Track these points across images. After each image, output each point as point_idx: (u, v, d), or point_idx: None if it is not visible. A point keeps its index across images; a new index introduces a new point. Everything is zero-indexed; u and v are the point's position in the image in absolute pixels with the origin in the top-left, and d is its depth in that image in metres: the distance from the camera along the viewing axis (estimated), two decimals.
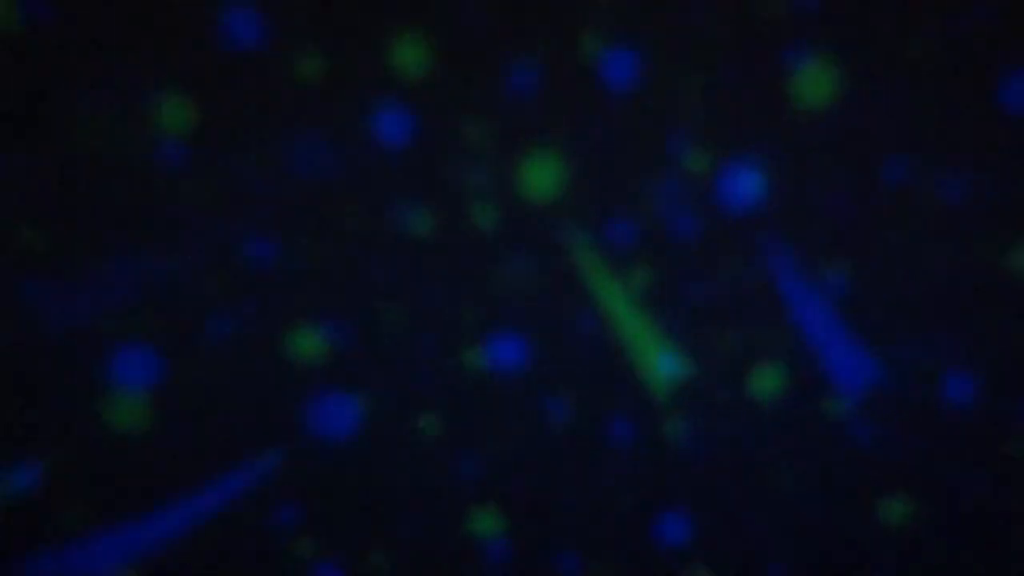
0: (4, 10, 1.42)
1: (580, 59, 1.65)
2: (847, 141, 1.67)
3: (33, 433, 1.56)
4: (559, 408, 1.73)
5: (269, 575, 1.68)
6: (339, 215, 1.65)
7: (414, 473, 1.72)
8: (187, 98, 1.57)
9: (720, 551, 1.76)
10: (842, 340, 1.73)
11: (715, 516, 1.75)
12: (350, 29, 1.61)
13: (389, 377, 1.70)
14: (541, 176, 1.71)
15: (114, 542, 1.56)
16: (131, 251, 1.58)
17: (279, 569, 1.68)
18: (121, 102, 1.54)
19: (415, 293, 1.70)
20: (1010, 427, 1.73)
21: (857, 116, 1.67)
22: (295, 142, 1.62)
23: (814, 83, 1.64)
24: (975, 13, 1.61)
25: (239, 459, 1.66)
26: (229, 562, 1.65)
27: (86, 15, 1.50)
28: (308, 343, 1.67)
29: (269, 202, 1.63)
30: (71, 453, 1.58)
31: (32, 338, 1.56)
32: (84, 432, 1.58)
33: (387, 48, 1.62)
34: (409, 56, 1.63)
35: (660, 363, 1.73)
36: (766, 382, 1.73)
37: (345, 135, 1.63)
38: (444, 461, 1.74)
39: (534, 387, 1.72)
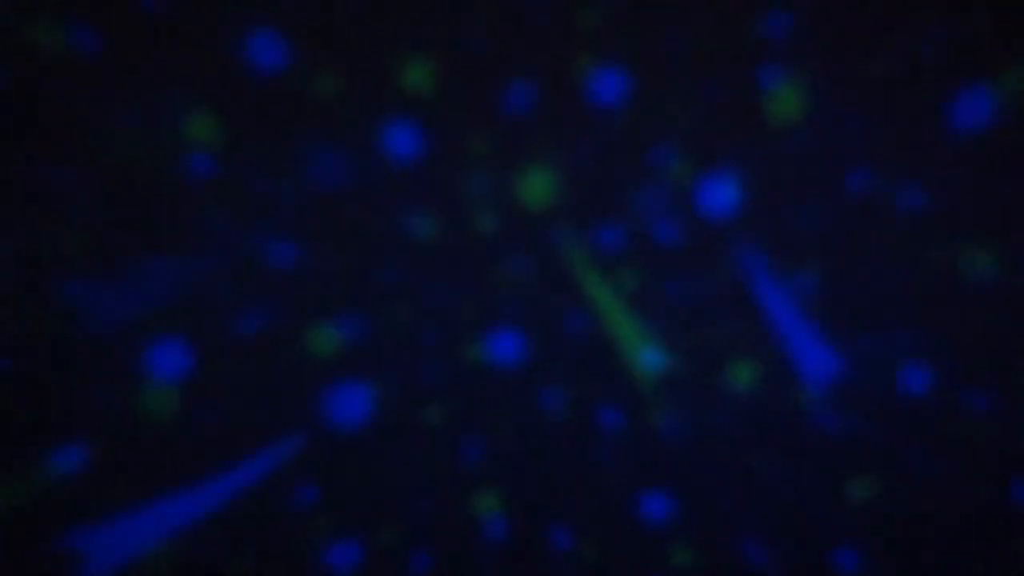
0: (52, 37, 1.51)
1: (572, 79, 1.73)
2: (814, 155, 1.76)
3: (78, 419, 1.65)
4: (553, 398, 1.81)
5: (289, 551, 1.77)
6: (353, 221, 1.74)
7: (421, 457, 1.80)
8: (215, 116, 1.65)
9: (699, 527, 1.84)
10: (810, 336, 1.81)
11: (695, 496, 1.83)
12: (363, 52, 1.69)
13: (398, 369, 1.78)
14: (537, 185, 1.78)
15: (150, 519, 1.64)
16: (165, 255, 1.66)
17: (298, 546, 1.77)
18: (156, 120, 1.63)
19: (421, 292, 1.78)
20: (963, 414, 1.81)
21: (824, 132, 1.75)
22: (313, 155, 1.70)
23: (785, 101, 1.73)
24: (928, 38, 1.72)
25: (262, 444, 1.74)
26: (252, 539, 1.74)
27: (125, 42, 1.59)
28: (324, 338, 1.74)
29: (289, 210, 1.71)
30: (112, 437, 1.66)
31: (77, 334, 1.65)
32: (123, 418, 1.66)
33: (397, 69, 1.70)
34: (417, 76, 1.72)
35: (645, 357, 1.82)
36: (741, 375, 1.81)
37: (358, 148, 1.71)
38: (448, 446, 1.81)
39: (530, 379, 1.80)
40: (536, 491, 1.82)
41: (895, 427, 1.82)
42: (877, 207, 1.78)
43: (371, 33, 1.67)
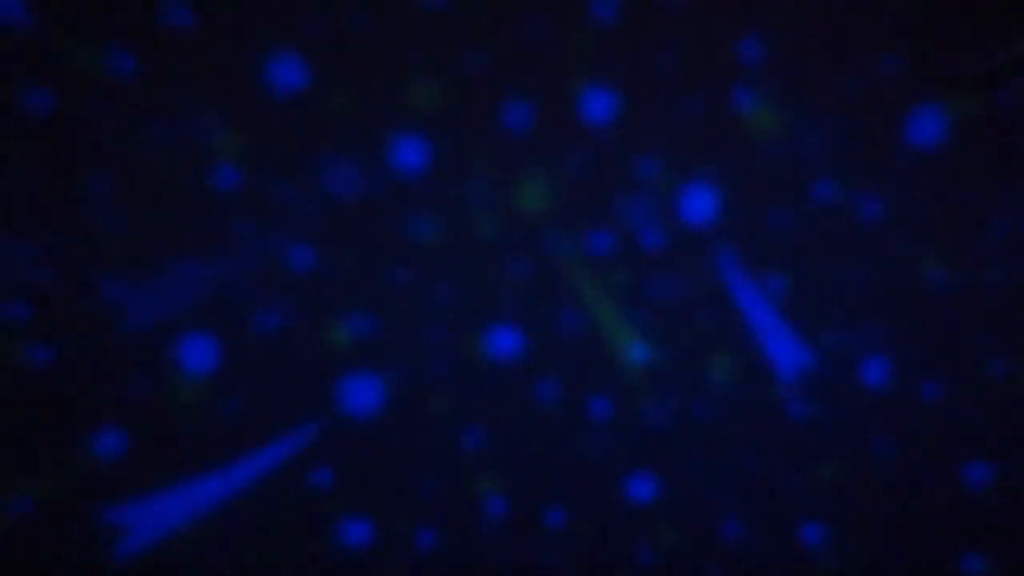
0: (95, 63, 1.61)
1: (565, 98, 1.80)
2: (785, 167, 1.84)
3: (118, 406, 1.74)
4: (548, 388, 1.88)
5: (307, 528, 1.84)
6: (366, 227, 1.81)
7: (428, 441, 1.86)
8: (240, 132, 1.72)
9: (681, 506, 1.91)
10: (781, 332, 1.88)
11: (677, 478, 1.90)
12: (376, 74, 1.76)
13: (405, 363, 1.85)
14: (533, 194, 1.85)
15: (184, 497, 1.74)
16: (195, 259, 1.74)
17: (316, 522, 1.84)
18: (187, 136, 1.70)
19: (428, 291, 1.84)
20: (917, 402, 1.89)
21: (793, 146, 1.83)
22: (329, 166, 1.78)
23: (758, 119, 1.82)
24: (886, 64, 1.81)
25: (282, 430, 1.81)
26: (273, 516, 1.81)
27: (158, 65, 1.67)
28: (339, 333, 1.83)
29: (308, 217, 1.79)
30: (148, 423, 1.74)
31: (117, 329, 1.73)
32: (158, 406, 1.75)
33: (406, 89, 1.78)
34: (424, 96, 1.79)
35: (632, 351, 1.92)
36: (719, 367, 1.88)
37: (370, 160, 1.78)
38: (452, 433, 1.87)
39: (527, 371, 1.86)
40: (532, 473, 1.88)
41: (857, 414, 1.89)
42: (841, 215, 1.85)
43: (381, 56, 1.74)
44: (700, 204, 1.85)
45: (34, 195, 1.65)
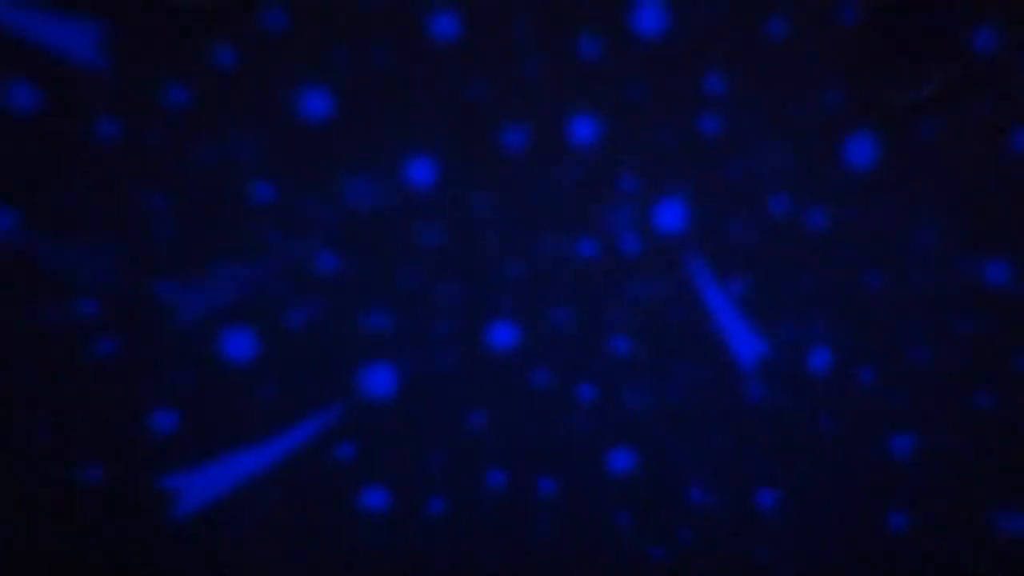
0: (154, 96, 1.76)
1: (557, 122, 1.94)
2: (745, 184, 2.01)
3: (168, 393, 1.92)
4: (541, 376, 2.04)
5: (332, 494, 2.01)
6: (382, 235, 1.96)
7: (436, 423, 2.03)
8: (274, 153, 1.88)
9: (654, 477, 2.10)
10: (741, 327, 2.05)
11: (652, 452, 2.09)
12: (389, 100, 1.90)
13: (417, 354, 2.01)
14: (529, 204, 1.98)
15: (227, 468, 1.90)
16: (235, 262, 1.89)
17: (339, 489, 2.01)
18: (229, 157, 1.86)
19: (435, 291, 1.99)
20: (856, 388, 2.09)
21: (751, 164, 2.00)
22: (350, 181, 1.91)
23: (722, 140, 1.99)
24: (829, 95, 1.97)
25: (311, 412, 1.99)
26: (304, 485, 2.00)
27: (205, 95, 1.83)
28: (359, 328, 1.97)
29: (331, 226, 1.94)
30: (196, 405, 1.92)
31: (167, 324, 1.91)
32: (203, 393, 1.93)
33: (416, 113, 1.91)
34: (433, 119, 1.92)
35: (613, 344, 2.05)
36: (689, 357, 2.06)
37: (387, 177, 1.93)
38: (458, 415, 2.03)
39: (523, 361, 2.02)
40: (527, 450, 2.07)
41: (804, 396, 2.10)
42: (792, 226, 2.03)
43: (394, 88, 1.90)
44: (672, 216, 2.02)
45: (101, 210, 1.82)
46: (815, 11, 1.91)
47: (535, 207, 1.95)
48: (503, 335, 2.01)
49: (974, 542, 2.17)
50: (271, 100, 1.87)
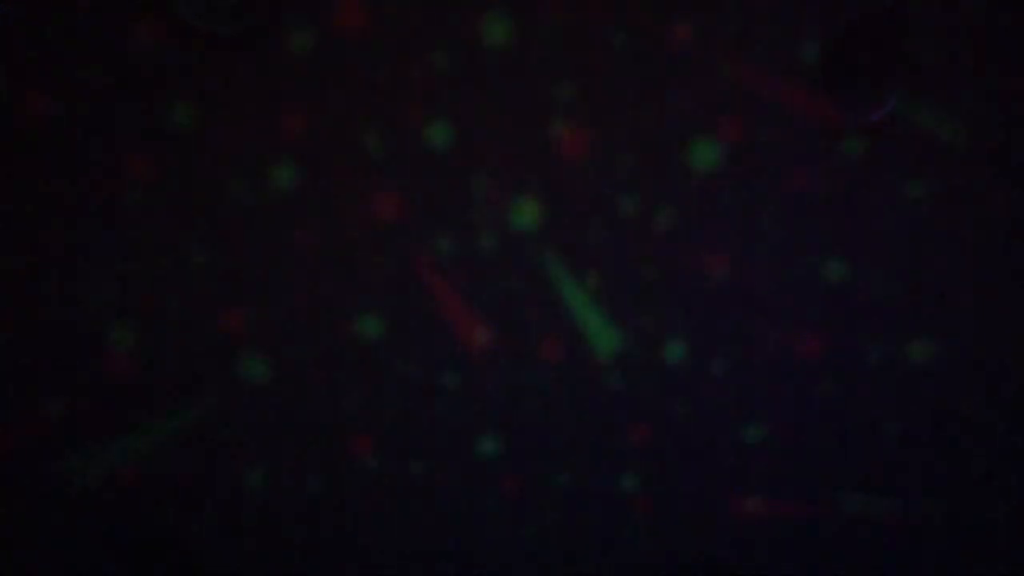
0: (185, 116, 1.96)
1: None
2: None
3: (191, 392, 2.13)
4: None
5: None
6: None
7: (440, 405, 2.15)
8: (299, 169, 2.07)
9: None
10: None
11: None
12: (400, 116, 2.08)
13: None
14: (523, 215, 2.13)
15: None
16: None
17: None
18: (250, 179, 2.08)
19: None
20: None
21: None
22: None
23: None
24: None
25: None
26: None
27: (227, 124, 2.06)
28: (372, 326, 2.14)
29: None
30: (223, 411, 2.13)
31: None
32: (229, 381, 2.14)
33: (424, 128, 2.09)
34: (438, 136, 2.10)
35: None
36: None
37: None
38: (461, 404, 2.17)
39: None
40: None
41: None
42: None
43: (402, 103, 2.07)
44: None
45: (148, 244, 2.10)
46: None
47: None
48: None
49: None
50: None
